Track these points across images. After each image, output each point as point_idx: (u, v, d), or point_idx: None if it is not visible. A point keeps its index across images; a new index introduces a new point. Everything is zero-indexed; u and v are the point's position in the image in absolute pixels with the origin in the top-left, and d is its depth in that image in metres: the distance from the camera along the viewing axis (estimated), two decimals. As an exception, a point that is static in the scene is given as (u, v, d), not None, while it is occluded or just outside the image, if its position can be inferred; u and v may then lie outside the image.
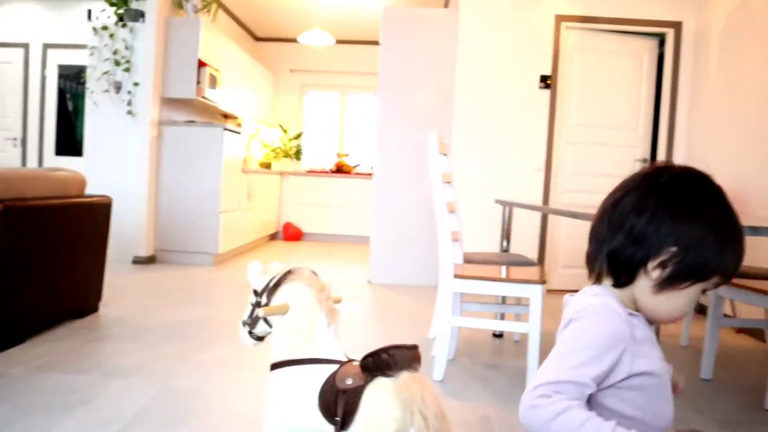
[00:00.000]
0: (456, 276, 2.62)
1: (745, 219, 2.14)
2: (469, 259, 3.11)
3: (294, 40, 8.54)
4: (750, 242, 3.76)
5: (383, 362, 1.26)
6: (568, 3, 4.95)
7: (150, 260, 5.38)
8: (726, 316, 3.19)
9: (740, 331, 3.90)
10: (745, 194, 4.04)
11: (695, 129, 4.87)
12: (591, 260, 1.10)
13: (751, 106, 4.07)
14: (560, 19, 4.95)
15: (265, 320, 1.47)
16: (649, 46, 5.18)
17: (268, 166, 8.21)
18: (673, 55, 5.03)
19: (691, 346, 3.51)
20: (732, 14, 4.41)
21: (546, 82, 4.96)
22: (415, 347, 1.29)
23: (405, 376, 1.23)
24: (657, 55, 5.21)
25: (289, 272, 1.45)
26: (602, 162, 5.08)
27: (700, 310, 4.36)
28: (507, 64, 4.97)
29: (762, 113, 3.93)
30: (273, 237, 8.24)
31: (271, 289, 1.44)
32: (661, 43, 5.19)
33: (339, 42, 8.34)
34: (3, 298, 2.72)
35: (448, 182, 2.93)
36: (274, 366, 1.42)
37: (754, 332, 3.78)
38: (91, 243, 3.41)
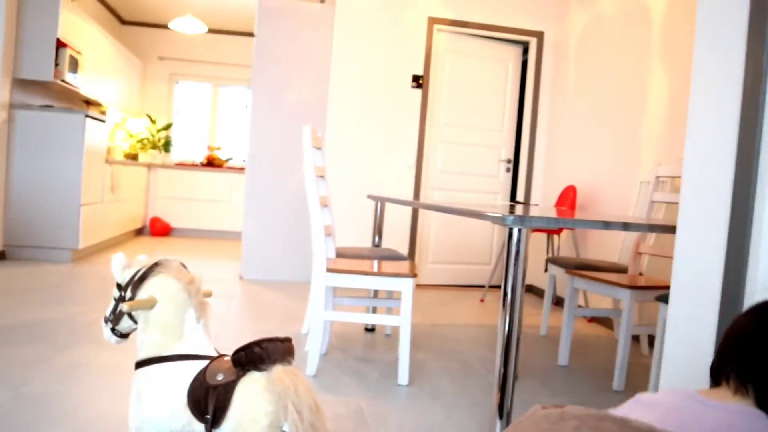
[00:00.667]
0: (329, 270, 2.63)
1: (599, 216, 2.31)
2: (341, 254, 3.14)
3: (164, 26, 8.18)
4: (601, 237, 4.06)
5: (256, 356, 1.24)
6: (441, 6, 5.11)
7: (-2, 256, 4.94)
8: (579, 306, 3.44)
9: (592, 320, 4.23)
10: (598, 192, 4.38)
11: (555, 132, 5.21)
12: (734, 372, 1.01)
13: (603, 110, 4.41)
14: (433, 21, 5.10)
15: (130, 316, 1.40)
16: (515, 52, 5.46)
17: (134, 157, 7.81)
18: (535, 62, 5.34)
19: (549, 335, 3.75)
20: (587, 26, 4.76)
21: (418, 81, 5.09)
22: (288, 340, 1.28)
23: (278, 369, 1.22)
24: (521, 62, 5.51)
25: (156, 264, 1.39)
26: (469, 161, 5.30)
27: (557, 301, 4.67)
28: (381, 62, 5.05)
29: (613, 117, 4.27)
30: (139, 232, 7.85)
31: (137, 282, 1.38)
32: (525, 51, 5.50)
33: (212, 31, 8.10)
34: None
35: (322, 176, 2.93)
36: (140, 364, 1.36)
37: (604, 321, 4.11)
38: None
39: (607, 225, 1.85)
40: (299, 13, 5.07)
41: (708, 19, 1.73)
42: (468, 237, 5.35)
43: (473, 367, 2.95)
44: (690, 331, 1.69)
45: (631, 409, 1.05)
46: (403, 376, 2.61)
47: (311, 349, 2.64)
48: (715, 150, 1.66)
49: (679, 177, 3.21)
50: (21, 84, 5.19)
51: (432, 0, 5.10)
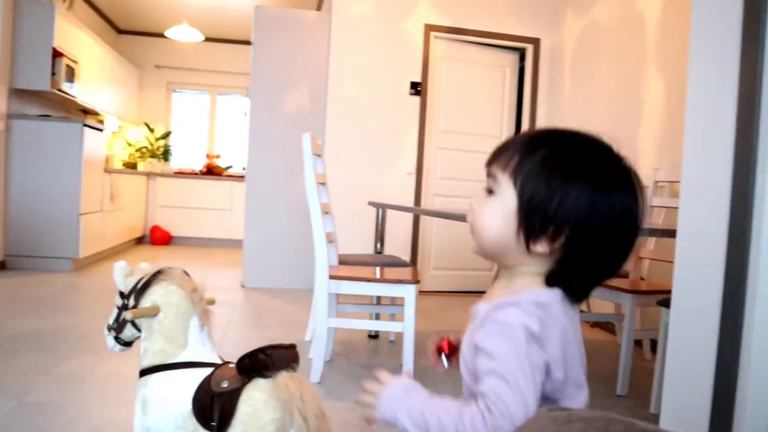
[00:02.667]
0: (331, 277, 2.62)
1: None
2: (344, 261, 3.13)
3: (160, 35, 8.18)
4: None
5: (260, 363, 1.24)
6: (437, 13, 5.12)
7: (-2, 267, 4.93)
8: (582, 311, 3.43)
9: (594, 325, 4.21)
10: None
11: (553, 137, 5.21)
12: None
13: (600, 116, 4.41)
14: (429, 28, 5.10)
15: (133, 324, 1.39)
16: (511, 59, 5.47)
17: (133, 166, 7.80)
18: (532, 68, 5.35)
19: (551, 339, 3.73)
20: (582, 33, 4.77)
21: (416, 88, 5.09)
22: (292, 347, 1.27)
23: (283, 376, 1.21)
24: (518, 68, 5.52)
25: (158, 272, 1.38)
26: (469, 167, 5.29)
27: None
28: (379, 68, 5.05)
29: (610, 123, 4.27)
30: (140, 241, 7.84)
31: (140, 290, 1.37)
32: (522, 57, 5.50)
33: (208, 39, 8.10)
34: None
35: (322, 183, 2.93)
36: (144, 372, 1.35)
37: (607, 325, 4.09)
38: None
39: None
40: (296, 20, 5.07)
41: (702, 25, 1.74)
42: (469, 243, 5.33)
43: (476, 373, 2.93)
44: (691, 336, 1.69)
45: None
46: (406, 383, 2.59)
47: (315, 356, 2.63)
48: (712, 154, 1.66)
49: (677, 182, 3.20)
50: (18, 94, 5.18)
51: (428, 7, 5.11)
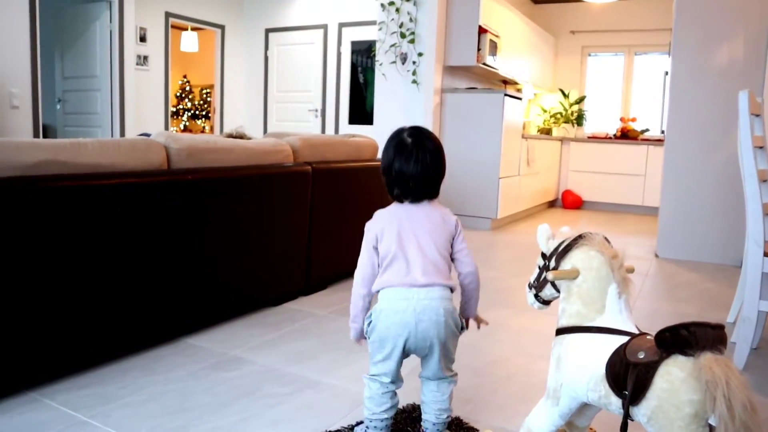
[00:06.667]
0: (767, 254, 2.30)
1: None
2: (782, 236, 2.71)
3: (575, 0, 8.16)
4: None
5: (682, 339, 1.17)
6: None
7: (431, 222, 5.66)
8: None
9: None
10: None
11: None
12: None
13: None
14: None
15: (553, 284, 1.45)
16: None
17: (548, 131, 8.04)
18: None
19: None
20: None
21: None
22: (720, 327, 1.17)
23: (707, 357, 1.12)
24: None
25: (579, 237, 1.41)
26: None
27: None
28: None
29: None
30: (551, 204, 8.10)
31: (561, 253, 1.41)
32: None
33: (627, -3, 7.77)
34: (310, 249, 3.10)
35: (761, 147, 2.56)
36: (561, 331, 1.40)
37: None
38: (380, 203, 3.69)
39: None
40: (732, -38, 4.48)
41: None
42: None
43: None
44: None
45: None
46: None
47: (740, 341, 2.36)
48: None
49: None
50: (449, 70, 5.82)
51: None
